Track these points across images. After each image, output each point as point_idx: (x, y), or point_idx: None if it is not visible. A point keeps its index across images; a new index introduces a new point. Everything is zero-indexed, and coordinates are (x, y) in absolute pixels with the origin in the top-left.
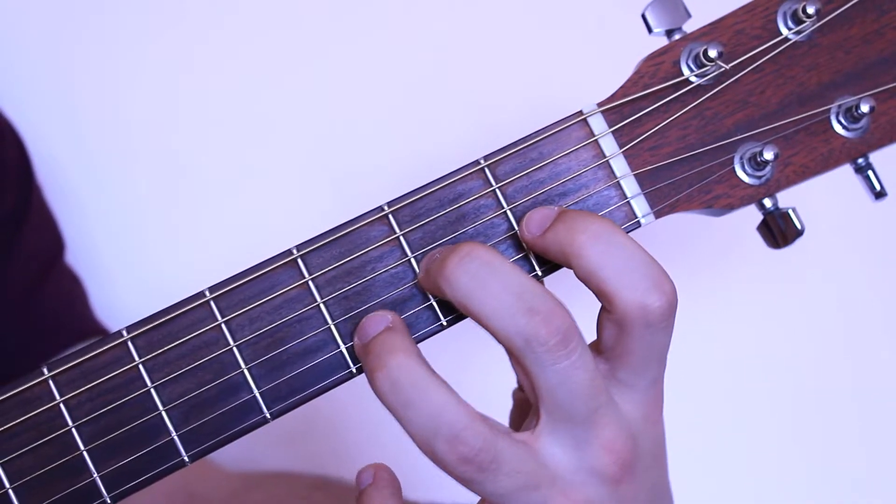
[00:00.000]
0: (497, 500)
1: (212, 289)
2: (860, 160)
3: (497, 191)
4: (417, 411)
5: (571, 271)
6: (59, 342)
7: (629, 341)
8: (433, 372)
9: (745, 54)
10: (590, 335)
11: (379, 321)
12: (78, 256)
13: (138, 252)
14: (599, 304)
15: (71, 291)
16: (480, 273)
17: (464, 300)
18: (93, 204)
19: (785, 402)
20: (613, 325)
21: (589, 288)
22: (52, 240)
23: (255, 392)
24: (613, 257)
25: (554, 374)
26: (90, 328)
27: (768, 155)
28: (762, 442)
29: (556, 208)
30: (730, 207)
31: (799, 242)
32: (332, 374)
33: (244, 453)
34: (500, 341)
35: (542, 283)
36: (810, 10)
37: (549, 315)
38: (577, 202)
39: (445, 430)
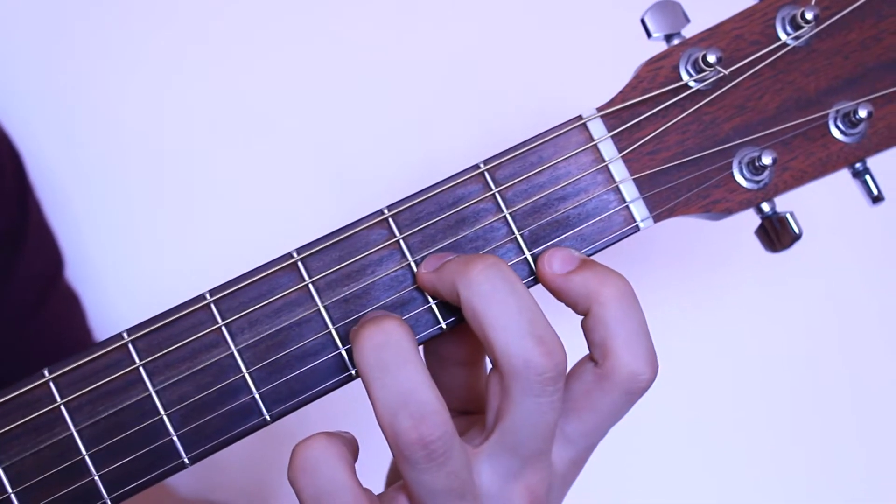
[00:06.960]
0: (424, 495)
1: (212, 291)
2: (858, 165)
3: (497, 195)
4: (394, 379)
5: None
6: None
7: (600, 399)
8: (421, 357)
9: (744, 59)
10: None
11: (381, 313)
12: (73, 265)
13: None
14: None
15: (70, 313)
16: (503, 287)
17: (478, 305)
18: (88, 210)
19: (784, 402)
20: (594, 378)
21: (590, 335)
22: (51, 258)
23: (255, 394)
24: (631, 319)
25: (531, 405)
26: None
27: (766, 160)
28: (761, 443)
29: (576, 253)
30: (728, 212)
31: (798, 245)
32: (331, 377)
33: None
34: (496, 356)
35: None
36: (809, 16)
37: (554, 349)
38: (576, 206)
39: (415, 407)
